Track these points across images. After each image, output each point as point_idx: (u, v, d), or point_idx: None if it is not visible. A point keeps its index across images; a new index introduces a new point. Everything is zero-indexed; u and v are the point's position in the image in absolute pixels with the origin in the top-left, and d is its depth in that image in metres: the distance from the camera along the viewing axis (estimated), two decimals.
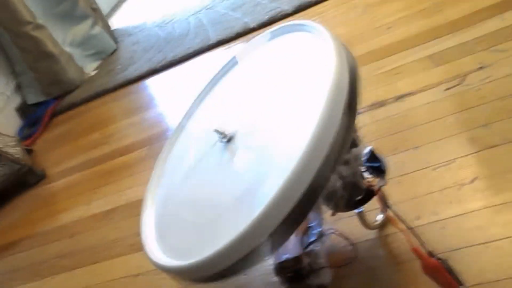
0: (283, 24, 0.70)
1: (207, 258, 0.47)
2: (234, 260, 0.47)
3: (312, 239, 0.67)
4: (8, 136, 1.56)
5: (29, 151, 1.60)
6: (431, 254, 0.59)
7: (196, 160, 0.67)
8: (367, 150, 0.68)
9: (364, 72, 1.06)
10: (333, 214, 0.64)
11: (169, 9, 2.28)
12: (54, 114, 1.88)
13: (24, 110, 1.91)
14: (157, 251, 0.58)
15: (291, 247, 0.67)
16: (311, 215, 0.68)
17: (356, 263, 0.68)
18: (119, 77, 1.88)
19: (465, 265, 0.60)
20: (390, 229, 0.70)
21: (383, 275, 0.64)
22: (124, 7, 2.85)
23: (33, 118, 1.87)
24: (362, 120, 0.92)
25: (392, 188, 0.74)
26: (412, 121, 0.86)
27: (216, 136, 0.62)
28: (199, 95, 0.77)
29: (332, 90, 0.49)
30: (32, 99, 1.92)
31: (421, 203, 0.71)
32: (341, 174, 0.60)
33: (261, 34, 0.73)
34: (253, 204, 0.47)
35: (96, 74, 2.04)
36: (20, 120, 1.90)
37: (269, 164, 0.52)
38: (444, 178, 0.73)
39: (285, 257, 0.67)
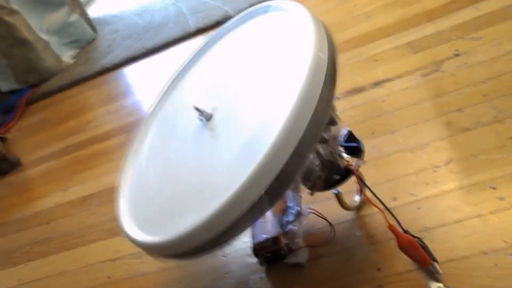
0: (258, 6, 0.70)
1: (189, 230, 0.48)
2: (216, 232, 0.47)
3: (290, 219, 0.67)
4: None
5: (2, 139, 1.56)
6: (407, 232, 0.60)
7: (175, 138, 0.66)
8: (345, 131, 0.69)
9: (343, 59, 1.07)
10: (311, 194, 0.65)
11: None
12: (30, 102, 1.84)
13: None
14: (133, 227, 0.58)
15: (269, 227, 0.68)
16: (290, 195, 0.68)
17: (333, 243, 0.68)
18: (97, 65, 1.85)
19: (439, 243, 0.61)
20: (367, 210, 0.71)
21: (360, 255, 0.65)
22: None
23: (7, 106, 1.83)
24: (340, 106, 0.93)
25: (369, 171, 0.75)
26: (390, 106, 0.87)
27: (196, 114, 0.61)
28: (176, 75, 0.77)
29: (312, 65, 0.49)
30: (6, 86, 1.87)
31: (398, 184, 0.72)
32: (320, 152, 0.60)
33: (238, 15, 0.73)
34: (233, 178, 0.47)
35: (73, 62, 2.01)
36: None
37: (249, 139, 0.52)
38: (420, 161, 0.74)
39: (263, 237, 0.68)
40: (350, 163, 0.65)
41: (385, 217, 0.58)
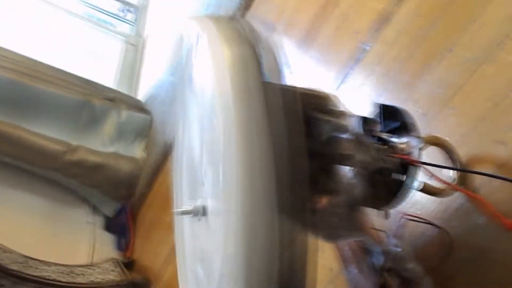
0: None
1: None
2: None
3: (379, 258, 0.48)
4: (106, 261, 1.56)
5: (130, 264, 1.58)
6: None
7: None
8: (376, 108, 0.48)
9: None
10: (386, 218, 0.45)
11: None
12: (133, 215, 1.88)
13: (109, 225, 1.92)
14: None
15: (363, 283, 0.49)
16: (359, 240, 0.49)
17: (457, 249, 0.47)
18: (163, 145, 1.83)
19: None
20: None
21: (498, 251, 0.44)
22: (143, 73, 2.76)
23: (121, 228, 1.88)
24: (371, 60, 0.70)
25: (448, 120, 0.53)
26: None
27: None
28: None
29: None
30: (110, 210, 1.93)
31: (495, 117, 0.49)
32: (358, 166, 0.42)
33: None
34: None
35: (146, 155, 2.01)
36: (112, 235, 1.89)
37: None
38: None
39: None
40: (405, 150, 0.44)
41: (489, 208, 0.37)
